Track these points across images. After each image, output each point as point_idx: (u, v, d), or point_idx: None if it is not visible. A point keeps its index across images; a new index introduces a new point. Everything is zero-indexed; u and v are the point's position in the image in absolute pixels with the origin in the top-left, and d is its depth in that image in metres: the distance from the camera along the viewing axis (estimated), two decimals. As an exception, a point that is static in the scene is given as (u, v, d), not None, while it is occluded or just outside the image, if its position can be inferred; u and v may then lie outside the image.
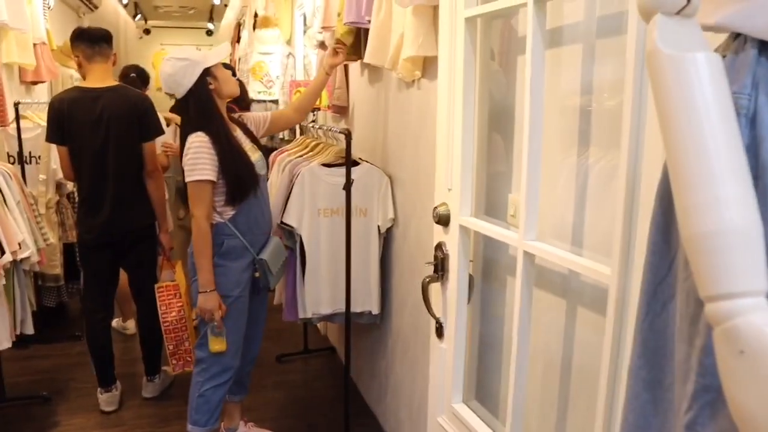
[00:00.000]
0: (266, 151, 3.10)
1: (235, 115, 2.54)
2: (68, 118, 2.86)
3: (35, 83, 4.73)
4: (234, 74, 4.17)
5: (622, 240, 1.09)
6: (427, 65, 2.14)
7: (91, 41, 2.95)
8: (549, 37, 1.37)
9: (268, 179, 3.12)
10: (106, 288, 3.13)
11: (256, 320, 2.58)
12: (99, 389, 3.14)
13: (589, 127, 1.37)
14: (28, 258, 2.74)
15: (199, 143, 2.21)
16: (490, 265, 1.81)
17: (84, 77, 3.04)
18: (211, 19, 11.78)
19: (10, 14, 3.70)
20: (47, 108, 2.97)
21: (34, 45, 4.39)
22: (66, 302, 4.27)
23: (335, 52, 2.58)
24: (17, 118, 3.61)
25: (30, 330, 2.89)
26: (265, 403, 3.21)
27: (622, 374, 1.11)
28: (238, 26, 8.85)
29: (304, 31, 4.52)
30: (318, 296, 2.67)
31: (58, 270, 3.94)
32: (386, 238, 2.71)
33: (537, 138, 1.31)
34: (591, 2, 1.37)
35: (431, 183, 2.11)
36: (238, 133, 2.40)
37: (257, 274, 2.39)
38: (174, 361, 2.83)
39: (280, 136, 4.93)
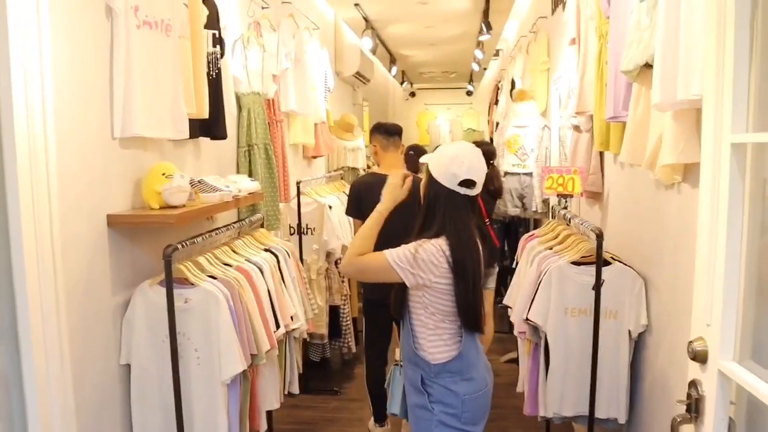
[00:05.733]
0: (518, 222, 3.07)
1: None
2: (364, 198, 3.37)
3: (315, 157, 5.36)
4: (489, 163, 4.32)
5: None
6: (689, 170, 1.97)
7: (387, 134, 3.53)
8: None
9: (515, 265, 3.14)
10: (382, 339, 3.59)
11: None
12: (374, 423, 3.65)
13: None
14: (298, 328, 3.08)
15: None
16: (757, 409, 1.57)
17: (378, 164, 3.61)
18: (470, 81, 12.29)
19: (297, 103, 4.30)
20: (350, 188, 3.66)
21: (315, 124, 5.00)
22: (329, 358, 4.70)
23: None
24: (298, 194, 4.13)
25: (296, 390, 3.23)
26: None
27: None
28: (497, 88, 9.11)
29: (560, 105, 4.49)
30: (561, 396, 2.56)
31: (324, 330, 4.36)
32: (638, 343, 2.51)
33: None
34: None
35: (691, 293, 1.92)
36: None
37: None
38: None
39: (534, 208, 4.91)
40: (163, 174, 2.39)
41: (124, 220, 2.27)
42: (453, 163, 1.98)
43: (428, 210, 2.06)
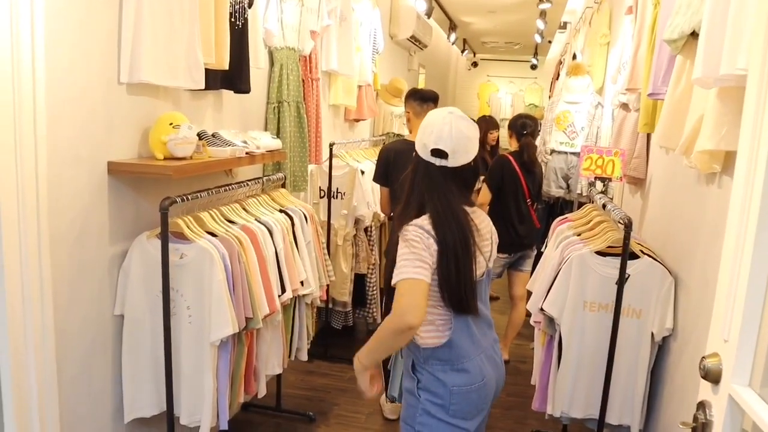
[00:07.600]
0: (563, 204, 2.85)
1: None
2: (393, 165, 3.26)
3: (357, 120, 5.21)
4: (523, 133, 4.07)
5: None
6: (730, 161, 1.73)
7: (422, 100, 3.36)
8: None
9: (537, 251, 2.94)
10: None
11: None
12: (386, 399, 3.41)
13: None
14: (309, 294, 2.98)
15: None
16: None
17: (411, 131, 3.44)
18: (535, 54, 11.83)
19: (339, 62, 4.14)
20: (378, 153, 3.48)
21: (359, 87, 4.83)
22: (351, 326, 4.61)
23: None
24: (330, 156, 3.99)
25: (304, 357, 3.14)
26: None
27: None
28: (560, 63, 8.70)
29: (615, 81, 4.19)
30: (571, 396, 2.37)
31: (346, 298, 4.26)
32: (661, 348, 2.29)
33: None
34: None
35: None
36: None
37: None
38: None
39: (579, 190, 4.65)
40: (171, 124, 2.29)
41: (124, 169, 2.19)
42: (423, 132, 1.84)
43: (410, 183, 1.90)
